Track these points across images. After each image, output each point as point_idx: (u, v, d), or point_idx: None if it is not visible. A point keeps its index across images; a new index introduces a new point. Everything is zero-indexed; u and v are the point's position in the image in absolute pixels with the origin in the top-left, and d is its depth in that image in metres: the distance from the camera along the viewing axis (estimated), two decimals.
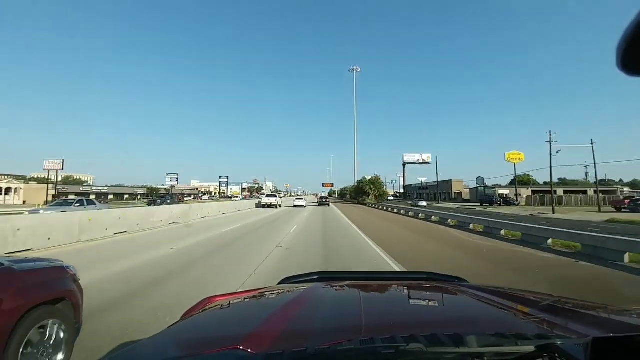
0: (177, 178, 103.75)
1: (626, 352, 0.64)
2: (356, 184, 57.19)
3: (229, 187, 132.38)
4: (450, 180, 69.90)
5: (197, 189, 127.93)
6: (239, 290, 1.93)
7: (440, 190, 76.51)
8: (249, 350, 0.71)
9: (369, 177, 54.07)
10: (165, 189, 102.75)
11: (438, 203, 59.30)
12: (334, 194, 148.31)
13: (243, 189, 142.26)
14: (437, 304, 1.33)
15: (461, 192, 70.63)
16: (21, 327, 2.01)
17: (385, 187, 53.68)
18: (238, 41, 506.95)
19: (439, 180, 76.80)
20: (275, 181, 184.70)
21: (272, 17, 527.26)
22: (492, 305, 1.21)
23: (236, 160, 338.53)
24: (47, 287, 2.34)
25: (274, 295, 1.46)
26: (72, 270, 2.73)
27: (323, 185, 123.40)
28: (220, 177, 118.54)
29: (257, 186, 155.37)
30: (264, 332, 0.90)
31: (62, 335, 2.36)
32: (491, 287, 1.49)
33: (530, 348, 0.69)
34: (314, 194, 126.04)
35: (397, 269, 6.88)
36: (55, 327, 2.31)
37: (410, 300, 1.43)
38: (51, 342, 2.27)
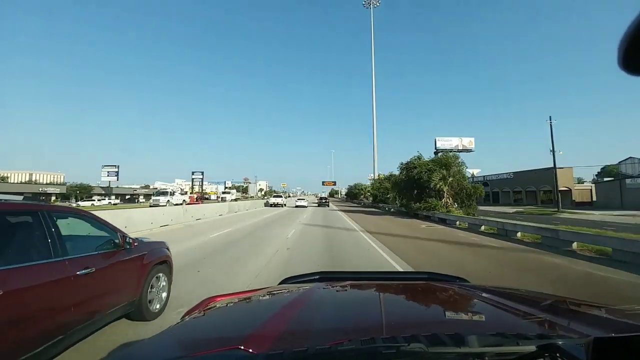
0: (117, 172, 72.75)
1: (627, 352, 0.64)
2: (401, 171, 25.11)
3: (214, 186, 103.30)
4: (552, 169, 38.73)
5: (157, 189, 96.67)
6: (240, 291, 1.61)
7: (523, 186, 46.91)
8: (250, 351, 0.71)
9: (432, 157, 24.40)
10: (101, 187, 73.02)
11: (572, 212, 28.89)
12: (337, 193, 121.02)
13: (226, 188, 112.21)
14: (438, 304, 1.33)
15: (570, 190, 40.67)
16: (149, 275, 3.58)
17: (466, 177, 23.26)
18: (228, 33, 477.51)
19: (517, 171, 47.78)
20: (271, 180, 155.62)
21: (269, 11, 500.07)
22: (493, 305, 1.22)
23: (230, 158, 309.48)
24: (158, 253, 3.90)
25: (274, 296, 1.44)
26: (166, 244, 4.28)
27: (323, 184, 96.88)
28: (193, 173, 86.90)
29: (246, 185, 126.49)
30: (265, 332, 0.90)
31: (165, 283, 3.97)
32: (492, 287, 1.50)
33: (532, 348, 0.69)
34: (314, 194, 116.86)
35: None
36: (162, 278, 3.92)
37: (411, 300, 1.41)
38: (160, 287, 3.87)
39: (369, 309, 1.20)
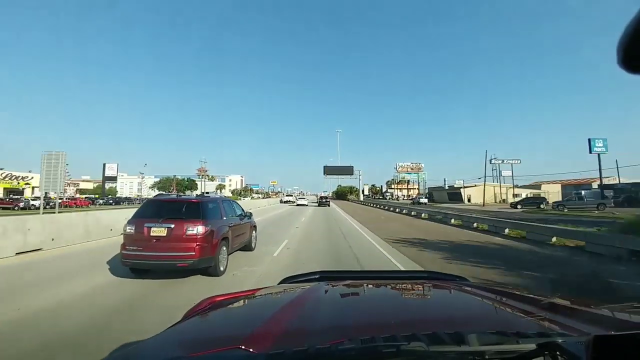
0: None
1: (627, 349, 0.63)
2: None
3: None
4: None
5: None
6: (239, 290, 1.62)
7: None
8: (251, 350, 0.72)
9: None
10: None
11: None
12: (351, 192, 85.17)
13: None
14: (438, 303, 1.37)
15: None
16: (251, 231, 8.82)
17: None
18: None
19: None
20: (250, 176, 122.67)
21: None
22: (493, 304, 1.24)
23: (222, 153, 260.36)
24: (253, 221, 9.06)
25: (274, 295, 1.47)
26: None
27: (326, 173, 67.35)
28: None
29: (207, 177, 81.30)
30: (265, 332, 0.91)
31: (255, 235, 9.10)
32: (492, 286, 1.56)
33: (532, 346, 0.69)
34: (314, 194, 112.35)
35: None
36: (254, 233, 9.07)
37: (411, 299, 1.44)
38: (253, 237, 8.93)
39: (369, 308, 1.22)
